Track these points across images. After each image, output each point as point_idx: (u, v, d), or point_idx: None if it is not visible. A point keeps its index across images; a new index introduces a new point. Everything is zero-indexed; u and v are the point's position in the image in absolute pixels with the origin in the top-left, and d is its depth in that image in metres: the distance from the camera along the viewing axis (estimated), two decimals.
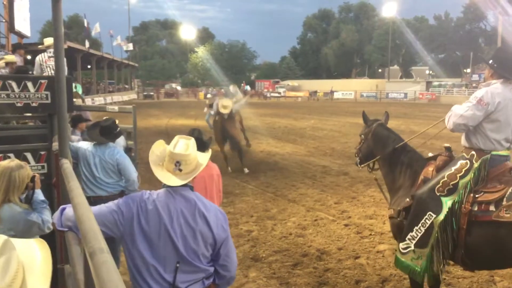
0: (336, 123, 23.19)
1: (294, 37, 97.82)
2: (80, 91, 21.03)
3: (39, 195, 3.10)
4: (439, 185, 3.51)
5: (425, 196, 3.57)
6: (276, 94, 60.23)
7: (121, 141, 6.58)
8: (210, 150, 2.62)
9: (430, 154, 4.02)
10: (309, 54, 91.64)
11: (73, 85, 19.37)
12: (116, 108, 7.77)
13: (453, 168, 3.54)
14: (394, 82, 64.80)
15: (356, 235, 6.29)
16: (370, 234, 6.31)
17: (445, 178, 3.50)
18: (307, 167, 11.36)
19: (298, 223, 6.83)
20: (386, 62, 73.37)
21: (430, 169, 3.78)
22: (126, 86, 56.99)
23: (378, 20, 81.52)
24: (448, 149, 3.81)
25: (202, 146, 2.70)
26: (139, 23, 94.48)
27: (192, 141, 2.40)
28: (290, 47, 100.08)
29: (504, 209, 3.18)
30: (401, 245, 3.64)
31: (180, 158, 2.31)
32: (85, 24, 39.76)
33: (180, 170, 2.31)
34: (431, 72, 76.35)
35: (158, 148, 2.44)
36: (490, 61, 3.52)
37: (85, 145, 4.83)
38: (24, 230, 2.96)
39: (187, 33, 78.53)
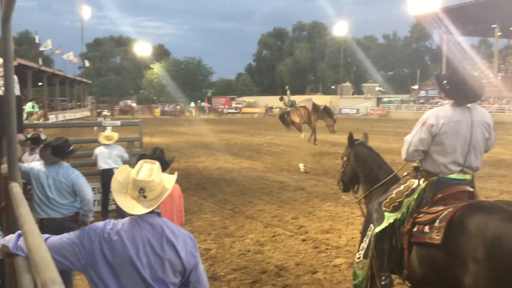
0: (292, 139, 23.44)
1: (250, 55, 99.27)
2: (28, 111, 20.30)
3: None
4: (386, 201, 3.53)
5: (373, 209, 3.65)
6: (233, 110, 60.47)
7: (121, 152, 8.02)
8: (176, 173, 2.54)
9: (405, 174, 3.88)
10: (264, 71, 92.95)
11: (30, 104, 19.18)
12: (118, 122, 9.62)
13: (402, 186, 3.55)
14: (346, 98, 66.70)
15: (313, 250, 6.37)
16: (327, 249, 6.40)
17: (393, 195, 3.52)
18: (264, 183, 11.43)
19: (256, 240, 6.84)
20: (338, 79, 75.46)
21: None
22: (78, 103, 55.59)
23: (330, 39, 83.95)
24: (416, 169, 3.67)
25: (163, 165, 2.64)
26: (92, 40, 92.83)
27: (156, 166, 2.31)
28: (246, 64, 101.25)
29: (436, 230, 3.06)
30: (357, 254, 3.72)
31: (144, 184, 2.21)
32: (37, 41, 38.66)
33: (145, 197, 2.21)
34: (381, 88, 79.06)
35: (122, 175, 2.33)
36: (444, 82, 3.42)
37: (38, 166, 4.66)
38: None
39: (142, 49, 77.72)
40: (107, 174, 7.63)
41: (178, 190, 4.01)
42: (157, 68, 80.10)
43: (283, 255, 6.19)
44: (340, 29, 70.82)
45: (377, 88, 77.39)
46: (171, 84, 71.43)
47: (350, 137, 4.55)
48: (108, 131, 8.17)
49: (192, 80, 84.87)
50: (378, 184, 4.03)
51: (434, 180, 3.36)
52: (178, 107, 60.97)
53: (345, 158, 4.59)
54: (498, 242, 2.69)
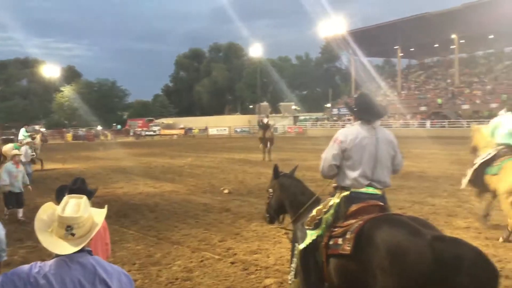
0: (213, 159, 23.43)
1: (166, 76, 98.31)
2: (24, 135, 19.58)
3: None
4: (308, 220, 3.73)
5: (297, 229, 3.88)
6: (151, 133, 59.10)
7: None
8: (106, 207, 2.39)
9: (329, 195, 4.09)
10: (182, 92, 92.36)
11: (24, 130, 19.34)
12: None
13: (321, 204, 3.79)
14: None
15: (242, 272, 6.32)
16: (256, 270, 6.38)
17: (314, 213, 3.72)
18: (189, 206, 11.21)
19: (184, 266, 6.64)
20: (256, 98, 77.05)
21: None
22: None
23: (247, 60, 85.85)
24: (335, 188, 3.88)
25: (86, 196, 2.47)
26: None
27: (84, 200, 2.17)
28: (162, 85, 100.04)
29: (347, 242, 3.28)
30: (289, 276, 3.86)
31: (71, 222, 2.06)
32: None
33: (73, 234, 2.05)
34: (296, 107, 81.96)
35: (46, 212, 2.15)
36: (353, 105, 3.86)
37: None
38: None
39: (51, 71, 73.64)
40: None
41: (103, 222, 3.78)
42: (67, 91, 76.38)
43: (213, 280, 6.08)
44: (256, 51, 72.49)
45: (293, 107, 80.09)
46: (83, 107, 68.45)
47: (275, 169, 4.74)
48: None
49: (107, 102, 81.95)
50: (303, 208, 4.17)
51: (347, 195, 3.62)
52: (92, 131, 58.34)
53: (270, 190, 4.75)
54: (402, 254, 2.91)
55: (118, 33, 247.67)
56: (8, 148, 20.29)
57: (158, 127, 61.66)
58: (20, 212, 9.55)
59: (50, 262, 2.08)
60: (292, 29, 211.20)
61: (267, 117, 23.67)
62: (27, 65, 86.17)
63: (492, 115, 38.90)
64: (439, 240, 2.87)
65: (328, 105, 70.92)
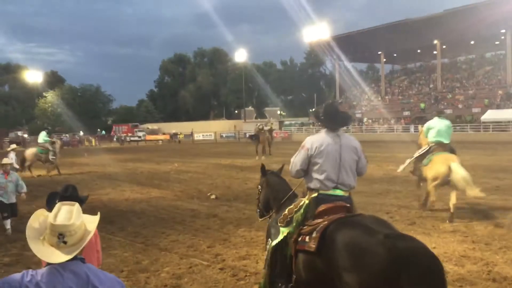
0: (199, 165, 23.34)
1: (151, 81, 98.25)
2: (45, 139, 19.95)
3: None
4: (281, 217, 4.06)
5: (271, 225, 4.29)
6: (136, 138, 58.67)
7: None
8: (99, 213, 2.36)
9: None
10: (167, 97, 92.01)
11: (44, 133, 19.48)
12: None
13: (293, 204, 4.10)
14: (250, 122, 68.14)
15: (232, 278, 6.29)
16: (246, 276, 6.35)
17: (286, 212, 4.05)
18: (176, 212, 11.14)
19: (172, 273, 6.59)
20: (241, 103, 77.14)
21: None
22: None
23: (231, 65, 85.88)
24: (307, 189, 4.18)
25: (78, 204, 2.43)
26: None
27: (76, 208, 2.13)
28: (147, 90, 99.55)
29: (313, 240, 3.56)
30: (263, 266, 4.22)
31: (63, 229, 2.02)
32: None
33: (65, 242, 2.02)
34: (281, 112, 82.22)
35: (37, 220, 2.11)
36: (320, 114, 4.16)
37: None
38: None
39: (33, 77, 72.67)
40: None
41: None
42: (50, 96, 75.48)
43: (202, 286, 6.04)
44: (240, 56, 72.58)
45: (278, 112, 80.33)
46: (67, 112, 67.75)
47: (262, 168, 5.11)
48: None
49: (91, 108, 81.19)
50: (281, 202, 4.55)
51: (315, 196, 3.94)
52: (76, 136, 57.71)
53: (259, 187, 5.12)
54: (360, 254, 3.10)
55: (101, 38, 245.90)
56: (30, 152, 20.53)
57: (143, 133, 61.25)
58: (8, 224, 9.20)
59: (42, 270, 2.04)
60: (276, 35, 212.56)
61: (266, 124, 25.82)
62: (9, 70, 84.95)
63: (473, 119, 39.56)
64: (390, 237, 3.07)
65: (313, 110, 71.33)
